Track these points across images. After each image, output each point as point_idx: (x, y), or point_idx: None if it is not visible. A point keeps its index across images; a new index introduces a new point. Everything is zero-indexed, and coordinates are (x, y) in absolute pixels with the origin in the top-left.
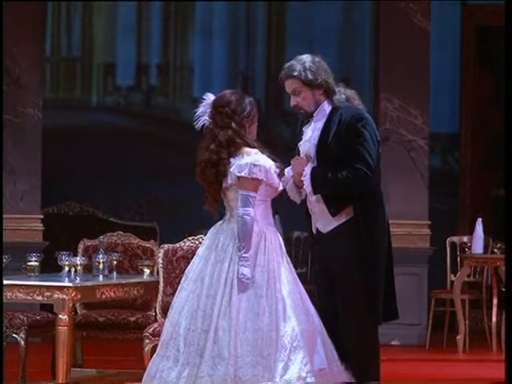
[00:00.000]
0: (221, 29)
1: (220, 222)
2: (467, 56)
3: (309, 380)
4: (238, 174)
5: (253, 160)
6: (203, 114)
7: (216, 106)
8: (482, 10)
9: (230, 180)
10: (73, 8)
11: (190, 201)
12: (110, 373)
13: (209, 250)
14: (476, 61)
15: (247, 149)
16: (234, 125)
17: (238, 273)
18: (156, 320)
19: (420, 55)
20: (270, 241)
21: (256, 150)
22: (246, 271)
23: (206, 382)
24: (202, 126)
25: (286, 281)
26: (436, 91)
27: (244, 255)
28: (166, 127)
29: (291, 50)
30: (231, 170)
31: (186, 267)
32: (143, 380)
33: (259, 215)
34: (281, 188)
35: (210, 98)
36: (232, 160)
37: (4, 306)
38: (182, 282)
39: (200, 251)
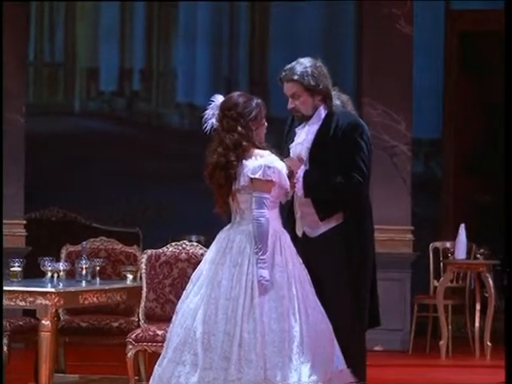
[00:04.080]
0: (204, 34)
1: (228, 227)
2: (450, 61)
3: (334, 381)
4: (252, 176)
5: (266, 162)
6: (211, 117)
7: (222, 109)
8: (465, 15)
9: (242, 182)
10: (56, 13)
11: (173, 206)
12: (93, 378)
13: (221, 254)
14: (459, 66)
15: (259, 150)
16: (239, 128)
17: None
18: (139, 325)
19: (403, 60)
20: (285, 241)
21: (268, 152)
22: (265, 273)
23: None
24: (211, 128)
25: (303, 281)
26: (419, 97)
27: (262, 257)
28: (150, 132)
29: (274, 55)
30: (244, 171)
31: (169, 272)
32: None
33: (271, 216)
34: (289, 190)
35: (218, 100)
36: (244, 162)
37: None
38: (187, 288)
39: (208, 256)
